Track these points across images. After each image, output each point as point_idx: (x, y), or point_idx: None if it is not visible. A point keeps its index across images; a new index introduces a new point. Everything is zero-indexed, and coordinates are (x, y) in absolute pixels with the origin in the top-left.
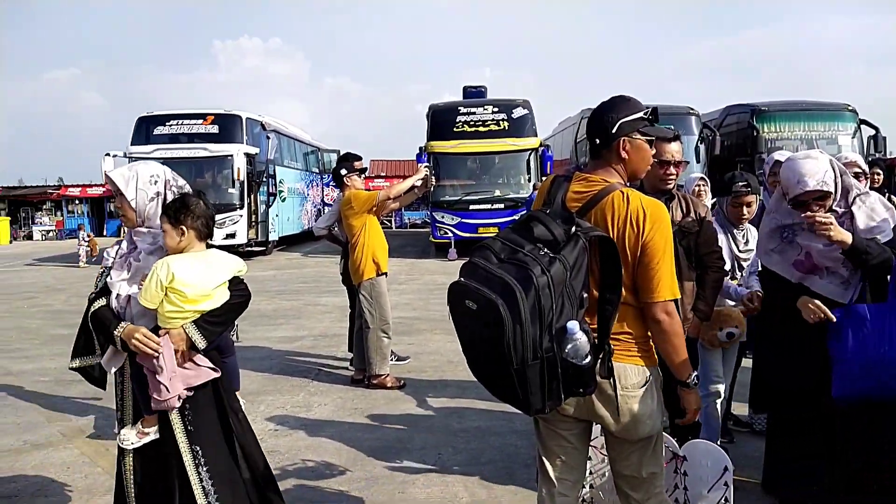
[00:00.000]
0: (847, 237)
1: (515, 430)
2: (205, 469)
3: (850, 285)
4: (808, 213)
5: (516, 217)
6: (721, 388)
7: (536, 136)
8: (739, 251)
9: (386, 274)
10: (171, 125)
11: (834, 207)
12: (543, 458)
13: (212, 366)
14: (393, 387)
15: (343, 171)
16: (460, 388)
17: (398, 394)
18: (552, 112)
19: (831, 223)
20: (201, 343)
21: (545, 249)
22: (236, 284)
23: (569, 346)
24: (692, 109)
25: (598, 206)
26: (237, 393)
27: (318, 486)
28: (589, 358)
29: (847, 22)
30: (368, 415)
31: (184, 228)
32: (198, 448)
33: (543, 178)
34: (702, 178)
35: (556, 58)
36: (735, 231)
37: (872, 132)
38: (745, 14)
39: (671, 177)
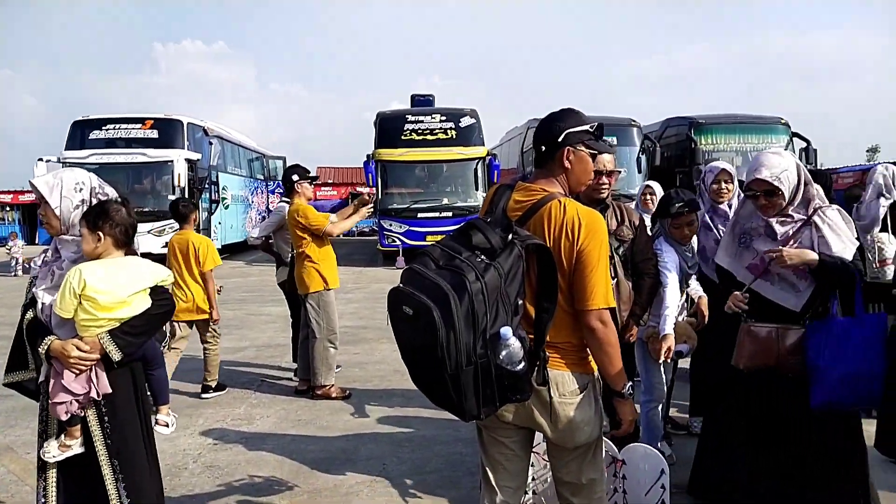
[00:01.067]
0: (813, 257)
1: (461, 438)
2: (122, 485)
3: (801, 293)
4: (770, 250)
5: None
6: (661, 391)
7: (484, 145)
8: (689, 268)
9: (334, 289)
10: (108, 129)
11: (791, 212)
12: (486, 466)
13: (104, 386)
14: (338, 397)
15: (295, 178)
16: (406, 397)
17: (343, 404)
18: (500, 122)
19: (785, 254)
20: (116, 355)
21: (482, 256)
22: (159, 294)
23: (503, 353)
24: (633, 121)
25: (536, 214)
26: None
27: (259, 502)
28: (523, 364)
29: (785, 38)
30: (312, 426)
31: (101, 234)
32: (117, 462)
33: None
34: (647, 186)
35: (506, 68)
36: (683, 249)
37: (804, 145)
38: (692, 29)
39: (604, 186)
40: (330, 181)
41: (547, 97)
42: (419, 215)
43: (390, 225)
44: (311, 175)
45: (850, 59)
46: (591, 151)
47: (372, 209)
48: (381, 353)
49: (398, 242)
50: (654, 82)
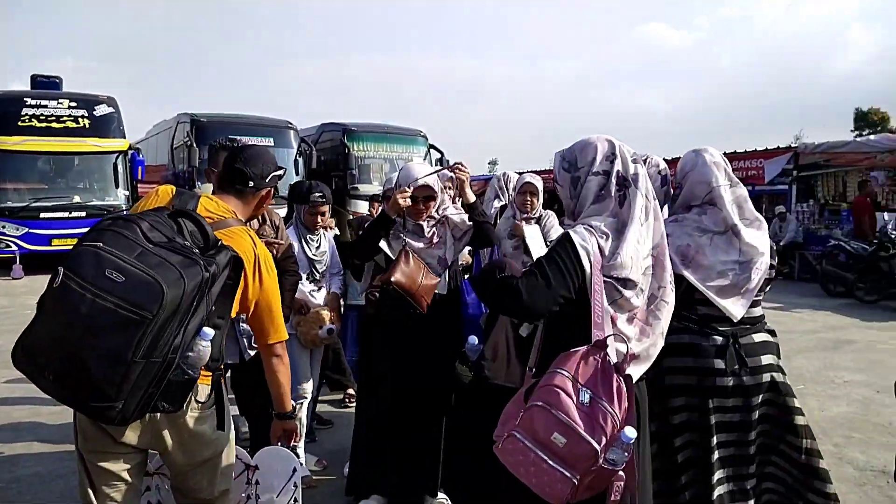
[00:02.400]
0: (471, 196)
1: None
2: None
3: (443, 279)
4: (456, 165)
5: None
6: (309, 387)
7: (125, 137)
8: (313, 255)
9: None
10: None
11: (432, 214)
12: (93, 501)
13: None
14: None
15: None
16: (15, 430)
17: None
18: (146, 114)
19: (468, 177)
20: None
21: (196, 249)
22: None
23: (192, 353)
24: (290, 123)
25: (220, 231)
26: None
27: None
28: (197, 372)
29: (434, 62)
30: None
31: None
32: None
33: (136, 184)
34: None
35: (154, 57)
36: (310, 237)
37: (439, 155)
38: (350, 41)
39: None
40: None
41: (198, 92)
42: (42, 215)
43: (3, 227)
44: None
45: (480, 85)
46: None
47: None
48: None
49: (14, 247)
50: (314, 86)
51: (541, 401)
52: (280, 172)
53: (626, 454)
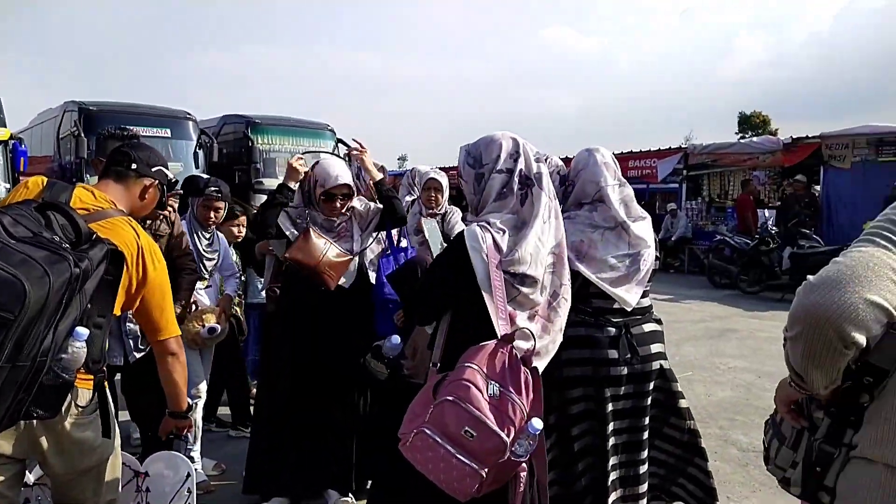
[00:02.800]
0: (377, 174)
1: None
2: None
3: (354, 265)
4: (355, 142)
5: None
6: (203, 387)
7: (5, 126)
8: (204, 251)
9: None
10: None
11: (343, 211)
12: None
13: None
14: None
15: None
16: None
17: None
18: (30, 101)
19: (367, 154)
20: None
21: (66, 244)
22: None
23: (65, 355)
24: (189, 114)
25: (98, 223)
26: None
27: None
28: (73, 375)
29: (340, 57)
30: None
31: None
32: None
33: (20, 177)
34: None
35: (42, 43)
36: (203, 232)
37: (347, 150)
38: (253, 32)
39: None
40: None
41: (90, 80)
42: None
43: None
44: None
45: (387, 81)
46: (160, 198)
47: None
48: None
49: None
50: (214, 78)
51: (452, 395)
52: (168, 174)
53: (533, 444)
